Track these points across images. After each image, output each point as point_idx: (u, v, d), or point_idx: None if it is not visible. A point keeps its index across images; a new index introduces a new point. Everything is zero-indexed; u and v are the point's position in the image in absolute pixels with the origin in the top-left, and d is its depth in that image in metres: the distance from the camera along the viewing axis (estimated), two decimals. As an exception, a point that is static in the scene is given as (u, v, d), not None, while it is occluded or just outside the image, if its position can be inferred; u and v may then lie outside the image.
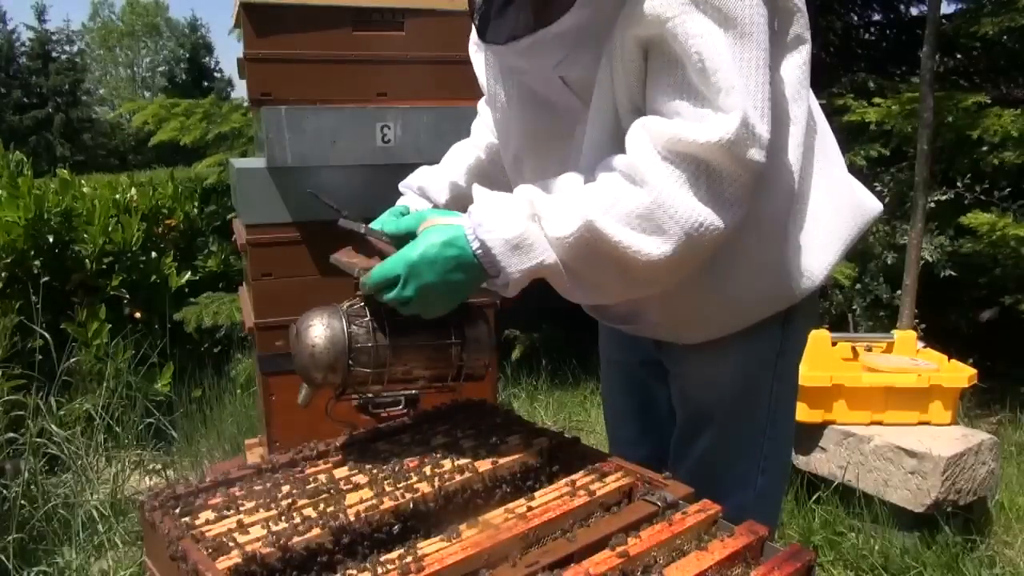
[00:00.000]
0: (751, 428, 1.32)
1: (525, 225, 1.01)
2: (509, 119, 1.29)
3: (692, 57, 0.96)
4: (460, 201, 1.37)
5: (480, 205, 1.04)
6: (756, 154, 0.98)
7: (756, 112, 0.97)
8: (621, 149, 1.06)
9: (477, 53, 1.37)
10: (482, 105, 1.53)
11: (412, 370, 1.11)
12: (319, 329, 1.05)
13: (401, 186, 1.46)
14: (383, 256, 1.07)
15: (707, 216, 0.99)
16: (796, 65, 1.14)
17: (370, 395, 1.14)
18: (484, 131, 1.51)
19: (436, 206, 1.39)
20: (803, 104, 1.15)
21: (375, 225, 1.19)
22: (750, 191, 1.01)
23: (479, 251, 1.02)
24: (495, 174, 1.43)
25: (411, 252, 1.03)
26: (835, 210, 1.26)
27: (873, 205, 1.33)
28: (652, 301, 1.21)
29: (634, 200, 0.99)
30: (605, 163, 1.05)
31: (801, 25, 1.14)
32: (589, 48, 1.08)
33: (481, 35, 1.19)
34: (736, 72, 0.96)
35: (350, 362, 1.05)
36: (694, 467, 1.36)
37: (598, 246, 1.00)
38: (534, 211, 1.02)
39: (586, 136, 1.12)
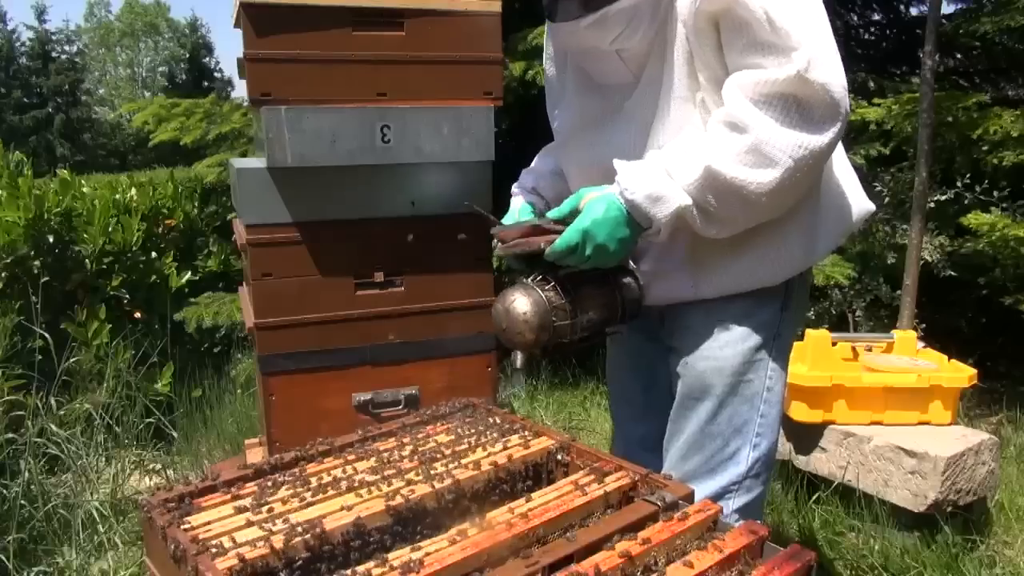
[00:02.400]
0: (746, 405, 1.41)
1: (660, 179, 1.23)
2: (566, 104, 1.51)
3: (758, 13, 1.16)
4: (562, 198, 1.50)
5: (623, 173, 1.27)
6: (828, 76, 1.16)
7: (824, 43, 1.17)
8: (706, 112, 1.28)
9: (549, 65, 1.60)
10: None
11: (592, 317, 1.35)
12: (523, 300, 1.29)
13: (514, 188, 1.68)
14: (557, 234, 1.29)
15: (805, 139, 1.18)
16: None
17: (568, 343, 1.35)
18: None
19: (547, 202, 1.61)
20: None
21: (508, 222, 1.49)
22: (836, 110, 1.19)
23: (629, 208, 1.25)
24: None
25: (582, 221, 1.26)
26: (842, 195, 1.44)
27: (868, 204, 1.50)
28: (679, 247, 1.38)
29: (740, 142, 1.20)
30: (711, 119, 1.26)
31: None
32: (643, 22, 1.27)
33: (551, 16, 1.38)
34: (798, 14, 1.17)
35: (554, 319, 1.29)
36: (690, 439, 1.43)
37: (719, 184, 1.21)
38: (665, 167, 1.24)
39: (662, 107, 1.31)
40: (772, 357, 1.41)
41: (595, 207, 1.27)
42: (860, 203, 1.47)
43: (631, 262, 1.43)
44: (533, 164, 1.72)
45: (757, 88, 1.18)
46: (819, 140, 1.19)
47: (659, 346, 1.54)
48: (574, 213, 1.30)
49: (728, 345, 1.40)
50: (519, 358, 1.37)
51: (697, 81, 1.28)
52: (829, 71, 1.17)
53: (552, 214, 1.34)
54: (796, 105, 1.18)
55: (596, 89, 1.42)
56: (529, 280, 1.33)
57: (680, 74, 1.29)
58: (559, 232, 1.29)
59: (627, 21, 1.27)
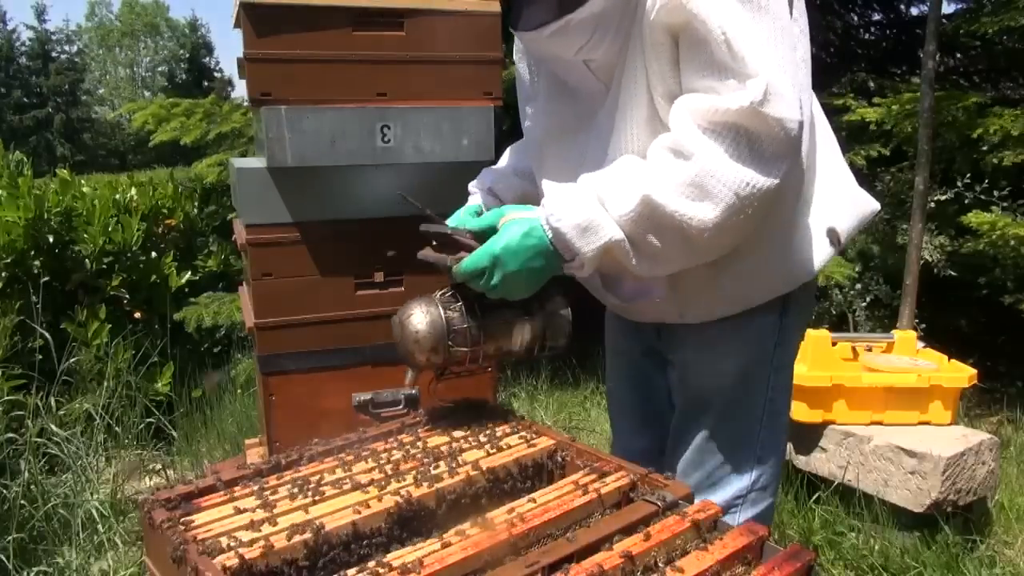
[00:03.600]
0: (748, 417, 1.37)
1: (591, 208, 1.11)
2: (537, 108, 1.41)
3: (715, 32, 1.06)
4: (525, 200, 1.45)
5: (550, 197, 1.15)
6: (785, 111, 1.06)
7: (781, 74, 1.06)
8: (660, 130, 1.17)
9: (520, 61, 1.48)
10: None
11: (501, 346, 1.25)
12: (420, 316, 1.20)
13: (471, 187, 1.55)
14: (468, 250, 1.20)
15: (752, 176, 1.07)
16: None
17: (467, 372, 1.27)
18: None
19: (502, 204, 1.47)
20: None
21: (452, 223, 1.35)
22: (792, 147, 1.08)
23: (553, 238, 1.13)
24: None
25: (494, 245, 1.15)
26: (835, 202, 1.34)
27: (871, 203, 1.41)
28: (662, 277, 1.27)
29: (683, 172, 1.08)
30: (654, 144, 1.14)
31: (799, 25, 1.19)
32: (609, 33, 1.18)
33: (513, 24, 1.28)
34: (757, 41, 1.06)
35: (449, 343, 1.20)
36: (693, 454, 1.40)
37: (656, 218, 1.10)
38: (598, 195, 1.12)
39: (627, 121, 1.21)
40: (774, 367, 1.36)
41: (512, 231, 1.14)
42: (859, 204, 1.39)
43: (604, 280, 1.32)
44: (501, 161, 1.60)
45: (708, 115, 1.07)
46: (767, 180, 1.07)
47: (657, 359, 1.48)
48: (491, 231, 1.19)
49: (725, 359, 1.34)
50: (409, 375, 1.24)
51: (651, 97, 1.18)
52: (786, 105, 1.05)
53: (471, 224, 1.24)
54: (747, 139, 1.06)
55: (570, 94, 1.33)
56: (438, 295, 1.24)
57: (640, 87, 1.19)
58: (472, 250, 1.18)
59: (591, 30, 1.18)
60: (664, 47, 1.14)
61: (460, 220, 1.37)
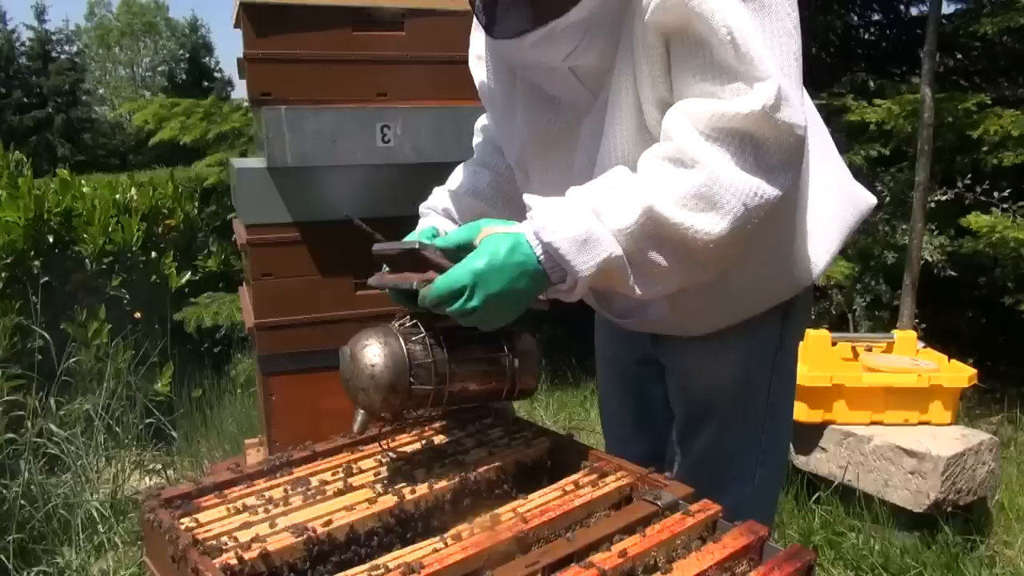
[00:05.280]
0: (751, 422, 1.34)
1: (588, 221, 1.00)
2: (514, 122, 1.28)
3: (720, 32, 0.98)
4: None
5: (539, 210, 1.03)
6: (795, 116, 0.99)
7: (788, 79, 1.00)
8: (649, 140, 1.08)
9: (478, 66, 1.37)
10: (480, 124, 1.53)
11: (468, 387, 1.09)
12: (376, 348, 1.01)
13: (423, 207, 1.42)
14: (439, 270, 1.04)
15: (759, 185, 1.00)
16: None
17: (423, 418, 1.11)
18: (489, 149, 1.48)
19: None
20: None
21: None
22: (797, 155, 1.02)
23: (542, 256, 1.01)
24: (511, 192, 1.41)
25: (476, 261, 1.01)
26: (833, 202, 1.30)
27: (868, 197, 1.37)
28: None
29: (688, 182, 1.00)
30: (649, 153, 1.05)
31: (792, 19, 1.14)
32: (599, 37, 1.09)
33: (489, 31, 1.18)
34: (763, 42, 0.99)
35: (411, 380, 1.02)
36: (695, 462, 1.37)
37: (659, 231, 1.00)
38: (593, 207, 1.01)
39: (616, 129, 1.12)
40: (775, 371, 1.33)
41: (494, 246, 1.01)
42: (857, 202, 1.36)
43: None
44: (450, 182, 1.45)
45: (712, 121, 0.99)
46: (774, 190, 1.01)
47: (652, 366, 1.44)
48: (465, 248, 1.05)
49: (728, 364, 1.31)
50: (358, 419, 1.05)
51: (639, 105, 1.10)
52: (794, 111, 0.99)
53: (440, 242, 1.10)
54: (752, 146, 0.99)
55: (551, 103, 1.22)
56: (396, 324, 1.06)
57: (629, 94, 1.11)
58: (444, 269, 1.03)
59: (580, 36, 1.08)
60: (656, 50, 1.05)
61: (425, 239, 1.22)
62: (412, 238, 1.20)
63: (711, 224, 1.00)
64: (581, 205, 1.02)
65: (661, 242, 1.01)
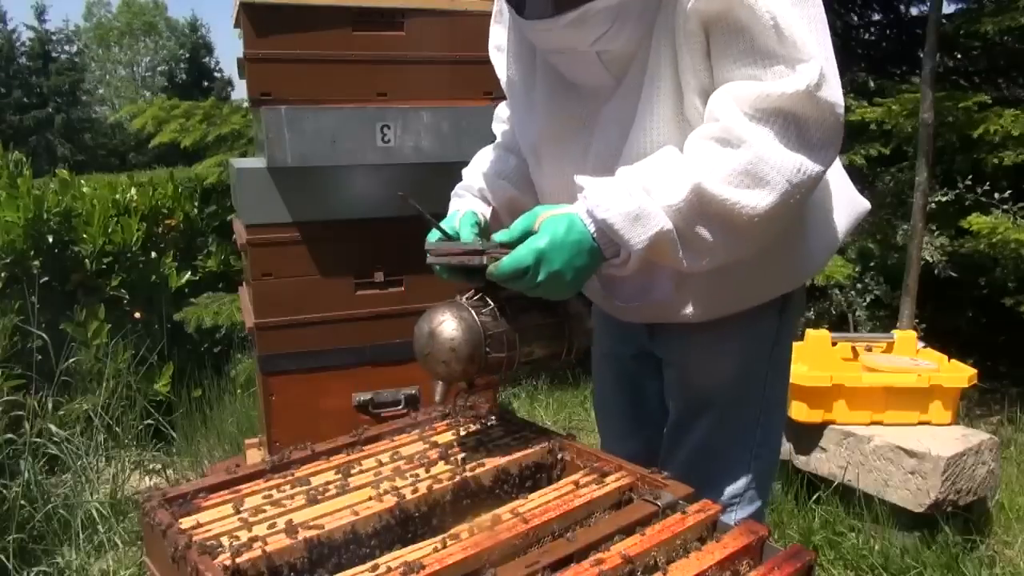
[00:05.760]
0: (746, 415, 1.37)
1: (639, 197, 1.07)
2: (532, 108, 1.33)
3: (764, 18, 1.03)
4: (511, 204, 1.42)
5: (592, 189, 1.10)
6: (836, 96, 1.06)
7: (829, 61, 1.06)
8: (685, 124, 1.14)
9: (497, 57, 1.42)
10: (504, 112, 1.55)
11: (534, 351, 1.17)
12: (453, 323, 1.09)
13: (458, 189, 1.48)
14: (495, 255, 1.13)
15: (803, 161, 1.06)
16: None
17: (496, 382, 1.21)
18: (512, 135, 1.51)
19: (495, 209, 1.43)
20: None
21: (447, 226, 1.27)
22: (837, 133, 1.09)
23: (595, 232, 1.09)
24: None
25: (538, 242, 1.09)
26: (834, 202, 1.34)
27: (863, 201, 1.41)
28: (666, 274, 1.26)
29: (734, 160, 1.06)
30: (696, 134, 1.11)
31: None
32: (628, 23, 1.13)
33: (519, 11, 1.21)
34: (805, 26, 1.05)
35: (487, 350, 1.10)
36: (690, 455, 1.39)
37: (707, 208, 1.06)
38: (643, 185, 1.08)
39: (654, 114, 1.16)
40: (771, 365, 1.36)
41: (555, 226, 1.09)
42: (855, 204, 1.40)
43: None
44: (478, 165, 1.51)
45: (757, 102, 1.05)
46: (816, 166, 1.07)
47: (648, 361, 1.46)
48: (527, 235, 1.13)
49: (728, 358, 1.33)
50: (439, 389, 1.15)
51: (680, 89, 1.14)
52: (835, 90, 1.06)
53: (501, 236, 1.16)
54: (795, 125, 1.05)
55: (570, 90, 1.27)
56: (463, 299, 1.14)
57: (662, 81, 1.15)
58: (501, 255, 1.12)
59: (611, 20, 1.12)
60: (697, 37, 1.10)
61: (463, 231, 1.29)
62: (448, 222, 1.29)
63: (757, 200, 1.06)
64: (632, 183, 1.08)
65: (709, 218, 1.07)
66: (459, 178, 1.50)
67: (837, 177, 1.37)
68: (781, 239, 1.23)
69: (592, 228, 1.09)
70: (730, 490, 1.37)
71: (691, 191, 1.06)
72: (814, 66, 1.03)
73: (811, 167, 1.07)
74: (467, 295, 1.15)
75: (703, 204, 1.06)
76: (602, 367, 1.62)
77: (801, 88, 1.03)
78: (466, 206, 1.38)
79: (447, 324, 1.09)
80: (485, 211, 1.39)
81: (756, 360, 1.35)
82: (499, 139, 1.54)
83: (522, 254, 1.09)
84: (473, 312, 1.11)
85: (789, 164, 1.05)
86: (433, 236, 1.26)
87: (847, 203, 1.38)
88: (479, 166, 1.49)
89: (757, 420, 1.37)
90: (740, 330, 1.32)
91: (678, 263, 1.11)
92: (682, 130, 1.15)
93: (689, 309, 1.30)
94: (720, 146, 1.07)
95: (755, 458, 1.38)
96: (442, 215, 1.33)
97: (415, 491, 1.04)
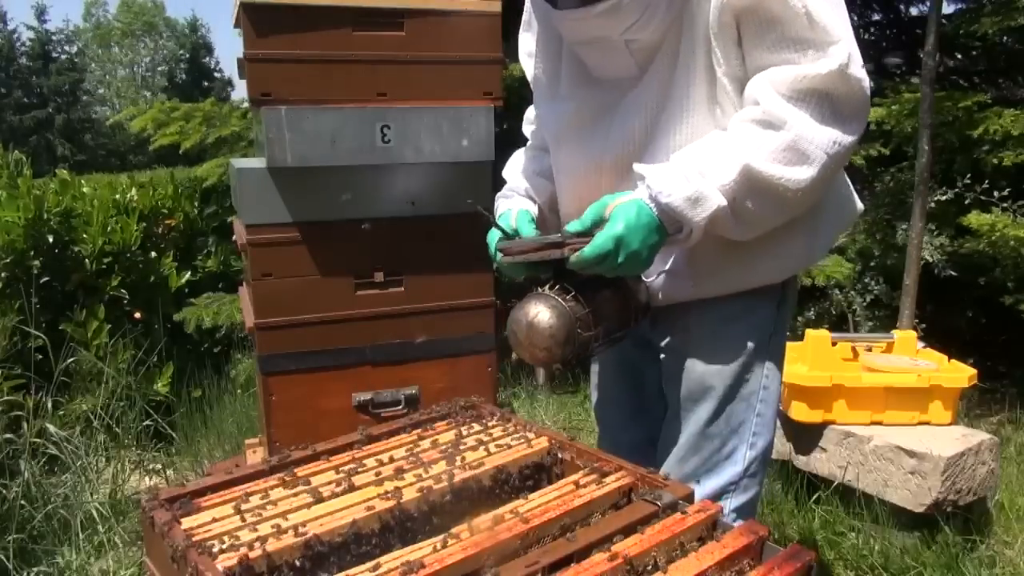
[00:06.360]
0: (743, 405, 1.40)
1: (696, 180, 1.19)
2: (557, 98, 1.43)
3: (797, 8, 1.14)
4: (552, 200, 1.53)
5: (652, 176, 1.21)
6: (862, 71, 1.18)
7: (852, 41, 1.18)
8: (717, 111, 1.25)
9: (528, 63, 1.51)
10: (530, 112, 1.64)
11: (609, 325, 1.30)
12: (547, 313, 1.21)
13: (505, 191, 1.58)
14: (568, 246, 1.24)
15: (837, 135, 1.18)
16: None
17: (591, 354, 1.34)
18: (540, 135, 1.60)
19: (540, 206, 1.54)
20: None
21: (505, 225, 1.39)
22: (865, 106, 1.21)
23: (662, 212, 1.20)
24: None
25: (615, 228, 1.20)
26: (842, 192, 1.42)
27: (858, 202, 1.48)
28: (681, 252, 1.35)
29: (777, 140, 1.17)
30: (739, 117, 1.22)
31: None
32: (657, 13, 1.22)
33: (553, 3, 1.29)
34: (832, 10, 1.17)
35: (579, 331, 1.22)
36: (689, 443, 1.42)
37: (756, 184, 1.19)
38: (699, 169, 1.19)
39: (685, 101, 1.26)
40: (768, 356, 1.40)
41: (626, 212, 1.20)
42: (853, 203, 1.47)
43: None
44: (516, 165, 1.62)
45: (794, 84, 1.16)
46: (850, 137, 1.19)
47: (647, 350, 1.51)
48: (598, 223, 1.24)
49: (727, 346, 1.37)
50: (543, 374, 1.30)
51: (713, 77, 1.24)
52: (861, 67, 1.18)
53: (574, 227, 1.27)
54: (829, 102, 1.17)
55: (594, 83, 1.37)
56: (546, 290, 1.26)
57: (693, 69, 1.24)
58: (580, 244, 1.22)
59: (642, 10, 1.21)
60: (730, 29, 1.20)
61: (522, 228, 1.40)
62: (504, 222, 1.41)
63: (801, 174, 1.18)
64: (689, 168, 1.20)
65: (758, 193, 1.19)
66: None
67: (841, 175, 1.42)
68: (788, 230, 1.31)
69: (655, 210, 1.20)
70: (726, 477, 1.40)
71: (741, 171, 1.17)
72: (843, 47, 1.15)
73: (844, 138, 1.18)
74: (547, 286, 1.26)
75: (752, 182, 1.18)
76: (604, 356, 1.65)
77: (834, 68, 1.14)
78: (517, 205, 1.49)
79: (543, 315, 1.21)
80: (533, 209, 1.50)
81: (754, 349, 1.39)
82: (531, 140, 1.65)
83: (603, 240, 1.19)
84: (560, 300, 1.23)
85: (826, 138, 1.17)
86: (494, 236, 1.37)
87: (847, 201, 1.44)
88: (518, 167, 1.60)
89: (754, 409, 1.40)
90: (739, 319, 1.37)
91: (732, 234, 1.24)
92: (713, 113, 1.25)
93: (699, 284, 1.37)
94: (763, 128, 1.19)
95: (751, 447, 1.41)
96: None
97: (415, 491, 1.04)
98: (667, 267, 1.38)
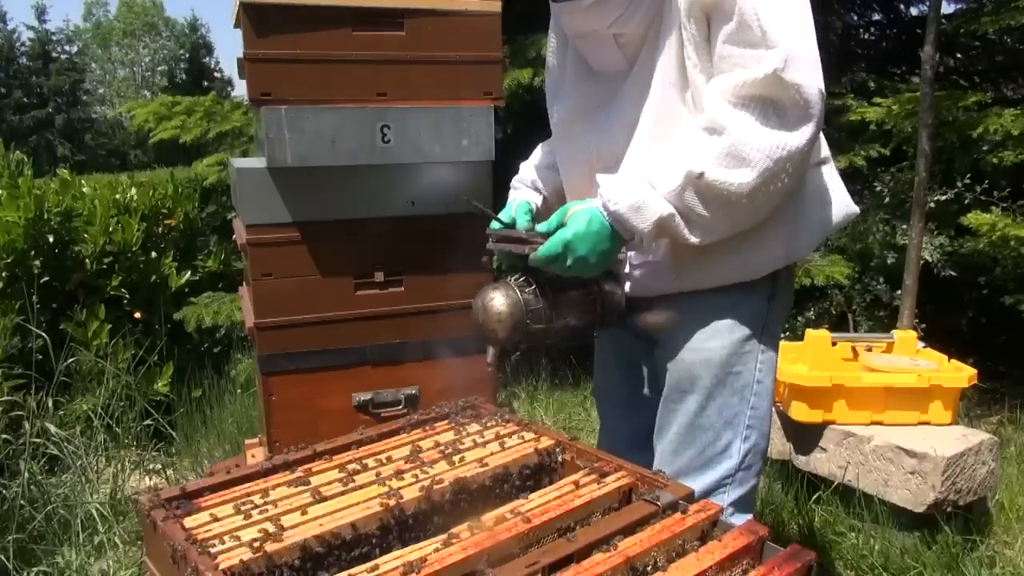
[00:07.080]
0: (735, 397, 1.41)
1: (641, 189, 1.24)
2: (563, 89, 1.50)
3: (746, 7, 1.17)
4: (559, 192, 1.60)
5: (605, 186, 1.28)
6: (804, 76, 1.17)
7: (799, 46, 1.18)
8: (690, 103, 1.29)
9: (552, 54, 1.56)
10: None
11: (569, 322, 1.36)
12: (501, 299, 1.30)
13: (514, 181, 1.68)
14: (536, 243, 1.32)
15: (783, 139, 1.19)
16: None
17: (542, 346, 1.38)
18: None
19: (546, 197, 1.63)
20: None
21: (504, 216, 1.49)
22: (810, 109, 1.19)
23: (612, 220, 1.26)
24: None
25: (565, 233, 1.27)
26: (825, 195, 1.43)
27: (853, 205, 1.49)
28: (661, 243, 1.37)
29: (718, 144, 1.20)
30: (690, 125, 1.27)
31: None
32: (641, 7, 1.28)
33: None
34: (781, 16, 1.18)
35: (528, 320, 1.29)
36: (680, 435, 1.43)
37: (701, 190, 1.22)
38: (647, 178, 1.25)
39: (661, 93, 1.30)
40: (761, 349, 1.41)
41: (578, 220, 1.28)
42: (844, 204, 1.47)
43: (618, 266, 1.42)
44: (531, 158, 1.71)
45: (736, 90, 1.19)
46: (796, 140, 1.19)
47: (644, 342, 1.53)
48: (560, 226, 1.31)
49: (716, 336, 1.39)
50: (491, 353, 1.38)
51: (687, 72, 1.28)
52: (805, 73, 1.17)
53: (541, 227, 1.36)
54: (773, 106, 1.18)
55: (593, 77, 1.43)
56: (512, 280, 1.35)
57: (670, 62, 1.29)
58: (540, 244, 1.30)
59: (626, 3, 1.27)
60: (702, 24, 1.24)
61: (519, 218, 1.47)
62: (506, 212, 1.50)
63: (742, 177, 1.20)
64: (638, 177, 1.26)
65: (703, 197, 1.23)
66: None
67: (831, 176, 1.45)
68: (773, 216, 1.33)
69: (608, 218, 1.26)
70: (721, 471, 1.41)
71: (684, 177, 1.21)
72: (780, 51, 1.16)
73: (791, 141, 1.19)
74: (515, 276, 1.35)
75: (696, 187, 1.22)
76: (601, 348, 1.71)
77: (769, 71, 1.16)
78: (521, 196, 1.58)
79: (496, 300, 1.30)
80: (537, 200, 1.59)
81: (745, 342, 1.40)
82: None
83: (552, 244, 1.26)
84: (518, 290, 1.31)
85: (768, 143, 1.18)
86: (495, 226, 1.44)
87: (837, 201, 1.45)
88: (532, 160, 1.69)
89: (747, 402, 1.41)
90: (728, 311, 1.39)
91: (686, 239, 1.27)
92: (688, 109, 1.30)
93: (679, 278, 1.40)
94: (707, 134, 1.22)
95: (744, 439, 1.42)
96: (498, 210, 1.51)
97: (415, 491, 1.04)
98: (647, 261, 1.42)
